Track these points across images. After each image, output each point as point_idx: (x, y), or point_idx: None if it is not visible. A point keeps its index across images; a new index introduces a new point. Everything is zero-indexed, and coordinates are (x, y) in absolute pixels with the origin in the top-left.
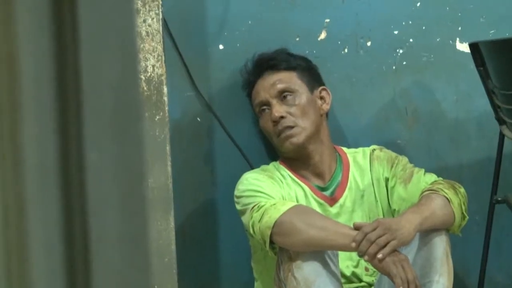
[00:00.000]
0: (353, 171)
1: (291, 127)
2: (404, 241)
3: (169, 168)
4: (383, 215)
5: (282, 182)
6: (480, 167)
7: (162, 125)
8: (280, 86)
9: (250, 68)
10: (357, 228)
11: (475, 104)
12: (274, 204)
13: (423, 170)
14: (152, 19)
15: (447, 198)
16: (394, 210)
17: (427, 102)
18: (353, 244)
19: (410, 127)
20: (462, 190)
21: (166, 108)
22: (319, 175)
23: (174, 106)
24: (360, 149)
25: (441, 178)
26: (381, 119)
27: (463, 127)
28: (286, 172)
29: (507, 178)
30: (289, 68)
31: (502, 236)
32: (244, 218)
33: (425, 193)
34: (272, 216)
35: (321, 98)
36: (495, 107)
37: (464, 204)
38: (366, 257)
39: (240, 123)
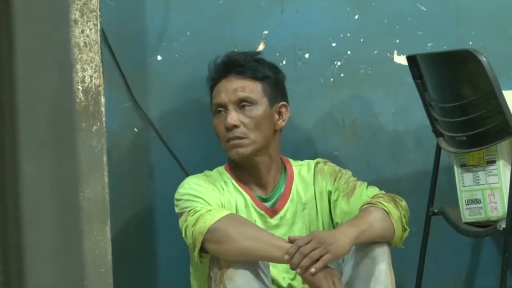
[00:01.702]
0: (296, 183)
1: (241, 138)
2: (338, 255)
3: (106, 179)
4: (323, 229)
5: (223, 189)
6: (417, 179)
7: (99, 136)
8: (241, 94)
9: (218, 65)
10: (291, 241)
11: (413, 116)
12: (210, 211)
13: (365, 184)
14: (90, 29)
15: (386, 211)
16: (337, 223)
17: (365, 114)
18: (286, 257)
19: (348, 139)
20: (403, 203)
21: (104, 119)
22: (262, 185)
23: (112, 117)
24: (305, 162)
25: (383, 192)
26: (319, 132)
27: (401, 140)
28: (229, 179)
29: (444, 190)
30: (255, 77)
31: (439, 248)
32: (180, 221)
33: (364, 206)
34: (207, 222)
35: (279, 113)
36: (432, 120)
37: (405, 217)
38: (298, 270)
39: (178, 135)
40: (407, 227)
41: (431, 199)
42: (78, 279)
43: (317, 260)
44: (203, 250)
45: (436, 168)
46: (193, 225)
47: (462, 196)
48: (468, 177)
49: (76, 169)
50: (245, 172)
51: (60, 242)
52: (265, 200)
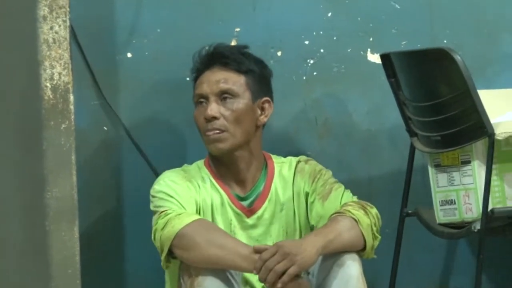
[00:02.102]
0: (276, 183)
1: (221, 131)
2: (304, 266)
3: (74, 178)
4: (300, 230)
5: (199, 187)
6: (391, 179)
7: (68, 134)
8: (223, 86)
9: (203, 56)
10: (257, 251)
11: (387, 115)
12: (180, 215)
13: (342, 188)
14: (59, 26)
15: (355, 219)
16: (313, 226)
17: (339, 113)
18: (254, 272)
19: (321, 138)
20: (373, 210)
21: (72, 117)
22: (240, 182)
23: (81, 115)
24: (288, 160)
25: (356, 198)
26: (292, 130)
27: (374, 139)
28: (207, 175)
29: (418, 191)
30: (239, 70)
31: (413, 249)
32: (153, 220)
33: (333, 215)
34: (175, 226)
35: (262, 109)
36: (406, 119)
37: (375, 224)
38: (267, 284)
39: (148, 133)
40: (377, 235)
41: (405, 200)
42: (44, 280)
43: (283, 273)
44: (171, 254)
45: (410, 168)
46: (161, 229)
47: (437, 197)
48: (442, 177)
49: (44, 167)
50: (224, 167)
51: (26, 242)
52: (242, 199)
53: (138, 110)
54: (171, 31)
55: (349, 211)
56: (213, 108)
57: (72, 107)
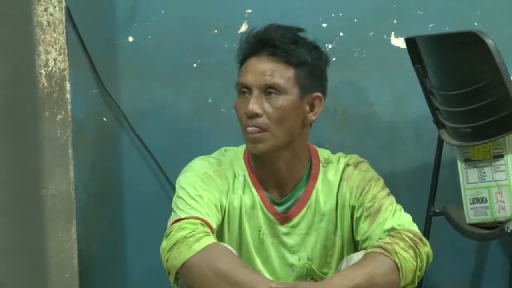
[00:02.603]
0: (318, 188)
1: (262, 130)
2: None
3: (72, 173)
4: (341, 246)
5: (230, 186)
6: (416, 175)
7: (64, 126)
8: (269, 79)
9: (251, 39)
10: None
11: (412, 105)
12: (189, 238)
13: (393, 205)
14: (55, 7)
15: (397, 264)
16: (358, 241)
17: (359, 103)
18: None
19: (340, 130)
20: (425, 249)
21: (69, 107)
22: (279, 184)
23: (78, 105)
24: (336, 158)
25: (408, 218)
26: None
27: (398, 131)
28: (243, 170)
29: (446, 187)
30: (289, 62)
31: (441, 251)
32: (169, 220)
33: (376, 250)
34: (182, 253)
35: (312, 105)
36: (433, 109)
37: (421, 269)
38: None
39: (149, 123)
40: (416, 281)
41: (432, 198)
42: (40, 284)
43: None
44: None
45: (438, 163)
46: (168, 250)
47: (466, 195)
48: (473, 173)
49: (39, 162)
50: (262, 165)
51: (21, 243)
52: (278, 203)
53: (140, 99)
54: (176, 13)
55: (395, 251)
56: (256, 103)
57: (68, 96)
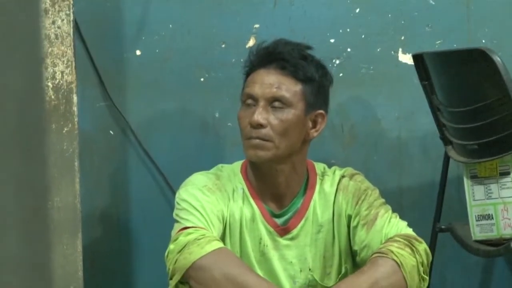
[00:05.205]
0: (315, 200)
1: (265, 140)
2: None
3: (78, 186)
4: (339, 256)
5: (230, 198)
6: (423, 192)
7: (71, 138)
8: (276, 92)
9: (261, 51)
10: None
11: (419, 122)
12: (199, 240)
13: (389, 213)
14: (62, 20)
15: (397, 263)
16: (356, 251)
17: (366, 119)
18: None
19: (346, 146)
20: (422, 246)
21: (76, 120)
22: (277, 197)
23: (85, 117)
24: (331, 171)
25: (404, 224)
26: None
27: (405, 148)
28: (242, 184)
29: (452, 204)
30: (297, 77)
31: (446, 267)
32: (173, 231)
33: (373, 256)
34: (193, 254)
35: (314, 122)
36: (440, 125)
37: (422, 264)
38: None
39: (156, 137)
40: (425, 276)
41: (438, 214)
42: None
43: None
44: (181, 278)
45: (444, 180)
46: (178, 252)
47: (473, 211)
48: (479, 190)
49: (45, 174)
50: (261, 178)
51: (26, 256)
52: (277, 215)
53: (147, 112)
54: (184, 27)
55: (392, 251)
56: (261, 114)
57: (75, 108)
